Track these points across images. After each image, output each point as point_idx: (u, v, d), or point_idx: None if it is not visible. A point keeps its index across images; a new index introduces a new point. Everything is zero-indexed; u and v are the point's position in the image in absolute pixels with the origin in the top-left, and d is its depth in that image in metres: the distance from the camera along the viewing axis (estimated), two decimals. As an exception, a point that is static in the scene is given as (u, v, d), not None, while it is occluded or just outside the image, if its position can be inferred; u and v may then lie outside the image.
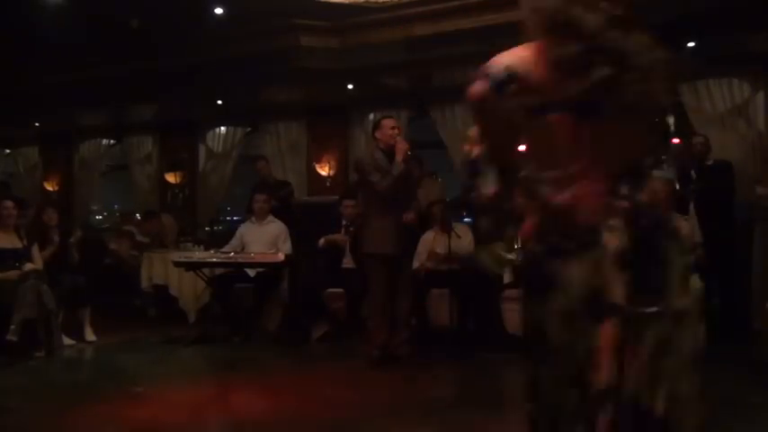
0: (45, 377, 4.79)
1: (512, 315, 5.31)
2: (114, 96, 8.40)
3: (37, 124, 10.32)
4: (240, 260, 5.95)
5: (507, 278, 5.41)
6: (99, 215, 14.20)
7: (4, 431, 3.59)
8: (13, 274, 5.29)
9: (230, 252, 6.07)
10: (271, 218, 6.36)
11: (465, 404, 4.00)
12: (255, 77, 7.49)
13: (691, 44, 6.09)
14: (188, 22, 6.57)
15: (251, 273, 6.07)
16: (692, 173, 5.75)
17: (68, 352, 5.51)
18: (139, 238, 7.82)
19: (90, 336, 5.90)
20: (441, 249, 5.55)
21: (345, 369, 4.88)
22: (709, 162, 5.89)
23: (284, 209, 6.86)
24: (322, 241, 6.19)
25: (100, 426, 3.60)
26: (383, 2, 6.26)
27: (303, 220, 6.72)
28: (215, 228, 8.70)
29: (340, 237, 6.13)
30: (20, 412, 3.88)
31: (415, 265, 5.63)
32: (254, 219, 6.39)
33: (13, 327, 5.04)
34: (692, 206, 5.58)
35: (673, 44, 6.90)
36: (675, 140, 7.81)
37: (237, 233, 6.39)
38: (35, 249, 5.64)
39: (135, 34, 6.71)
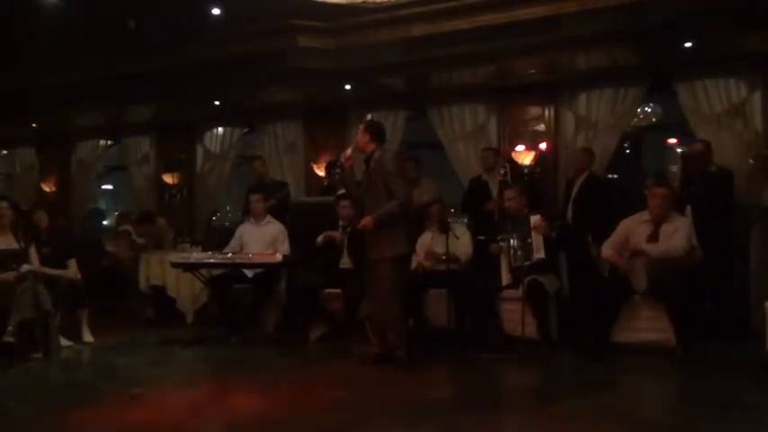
0: (43, 378, 4.79)
1: (510, 315, 5.30)
2: (112, 97, 8.38)
3: (34, 125, 10.29)
4: (238, 261, 5.94)
5: (505, 279, 5.40)
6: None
7: (2, 432, 3.58)
8: (10, 275, 5.27)
9: (229, 253, 6.06)
10: (269, 218, 6.36)
11: (463, 404, 3.99)
12: (253, 78, 7.48)
13: (689, 44, 6.09)
14: (185, 22, 6.56)
15: (249, 273, 6.06)
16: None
17: (66, 353, 5.51)
18: (136, 238, 7.80)
19: (88, 337, 5.90)
20: (439, 249, 5.55)
21: (343, 369, 4.88)
22: (712, 169, 5.90)
23: (281, 209, 6.85)
24: (320, 239, 6.17)
25: (98, 427, 3.59)
26: (381, 2, 6.25)
27: (300, 220, 6.70)
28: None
29: (338, 234, 6.12)
30: (18, 413, 3.87)
31: (413, 265, 5.63)
32: (252, 219, 6.39)
33: (10, 328, 5.03)
34: (688, 208, 5.58)
35: (672, 44, 6.94)
36: (672, 140, 7.83)
37: (236, 234, 6.38)
38: (32, 250, 5.62)
39: (132, 34, 6.70)
